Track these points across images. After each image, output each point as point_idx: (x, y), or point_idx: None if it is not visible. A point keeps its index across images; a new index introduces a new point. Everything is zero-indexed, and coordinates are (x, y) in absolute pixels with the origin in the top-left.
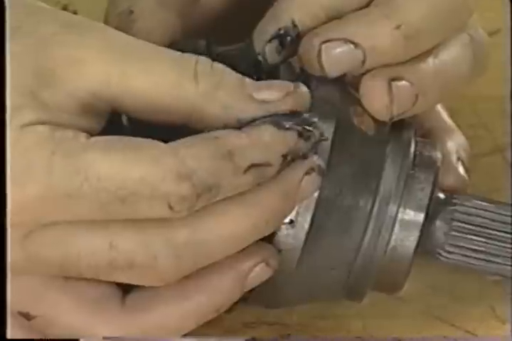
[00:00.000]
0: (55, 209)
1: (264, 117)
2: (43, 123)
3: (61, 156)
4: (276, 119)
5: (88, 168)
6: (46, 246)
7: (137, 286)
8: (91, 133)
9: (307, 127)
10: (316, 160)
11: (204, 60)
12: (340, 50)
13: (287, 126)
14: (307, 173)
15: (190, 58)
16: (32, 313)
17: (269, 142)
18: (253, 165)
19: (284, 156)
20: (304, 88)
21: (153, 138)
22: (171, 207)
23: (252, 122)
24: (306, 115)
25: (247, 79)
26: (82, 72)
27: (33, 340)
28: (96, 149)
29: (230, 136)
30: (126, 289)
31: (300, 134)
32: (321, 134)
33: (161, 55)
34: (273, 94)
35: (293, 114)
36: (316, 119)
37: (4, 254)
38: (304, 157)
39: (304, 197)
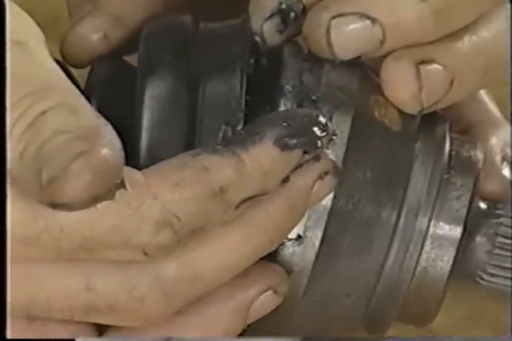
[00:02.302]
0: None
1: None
2: None
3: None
4: (280, 135)
5: (49, 216)
6: (9, 286)
7: None
8: None
9: (317, 142)
10: (329, 159)
11: None
12: (353, 26)
13: (292, 144)
14: (320, 177)
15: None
16: None
17: (269, 169)
18: (247, 199)
19: (285, 179)
20: None
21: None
22: (145, 254)
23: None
24: (316, 129)
25: None
26: None
27: (33, 340)
28: None
29: (224, 168)
30: (102, 326)
31: (306, 151)
32: (333, 133)
33: None
34: None
35: (303, 129)
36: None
37: (4, 254)
38: (316, 159)
39: (316, 203)
